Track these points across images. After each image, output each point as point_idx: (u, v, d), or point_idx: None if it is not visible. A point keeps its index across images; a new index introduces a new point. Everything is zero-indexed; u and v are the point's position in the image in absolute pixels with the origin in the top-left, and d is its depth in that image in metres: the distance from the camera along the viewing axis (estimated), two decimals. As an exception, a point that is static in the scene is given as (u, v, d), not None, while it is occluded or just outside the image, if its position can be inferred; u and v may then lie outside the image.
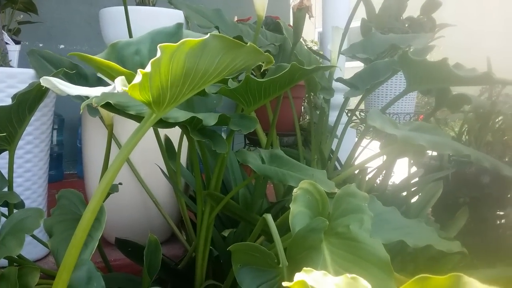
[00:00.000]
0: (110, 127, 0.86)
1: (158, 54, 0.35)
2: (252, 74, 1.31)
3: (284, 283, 0.32)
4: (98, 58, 0.40)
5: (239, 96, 0.80)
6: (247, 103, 0.81)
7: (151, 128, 1.07)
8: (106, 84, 1.06)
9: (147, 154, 1.14)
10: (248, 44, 0.47)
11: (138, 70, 0.35)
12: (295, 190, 0.64)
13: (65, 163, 2.12)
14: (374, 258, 0.58)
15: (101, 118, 1.08)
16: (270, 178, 0.78)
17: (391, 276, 0.56)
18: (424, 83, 0.96)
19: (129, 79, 0.37)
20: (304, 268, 0.36)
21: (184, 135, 1.17)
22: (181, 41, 0.37)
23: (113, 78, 0.41)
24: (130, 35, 1.02)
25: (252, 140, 1.85)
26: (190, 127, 0.75)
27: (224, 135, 1.51)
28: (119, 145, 1.09)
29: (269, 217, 0.67)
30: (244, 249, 0.58)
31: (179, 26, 0.66)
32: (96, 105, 0.64)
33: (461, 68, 0.91)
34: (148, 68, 0.35)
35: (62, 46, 2.22)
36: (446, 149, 0.77)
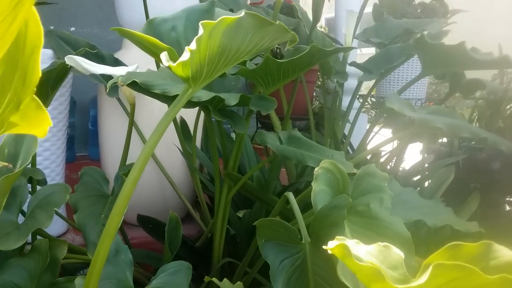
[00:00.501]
0: (132, 106, 0.87)
1: (200, 31, 0.36)
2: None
3: (325, 247, 0.33)
4: (140, 33, 0.41)
5: (258, 77, 0.81)
6: (266, 85, 0.82)
7: (167, 108, 1.09)
8: (122, 65, 1.07)
9: (163, 135, 1.16)
10: (277, 22, 0.48)
11: (186, 48, 0.36)
12: (316, 169, 0.65)
13: (76, 145, 2.14)
14: (395, 235, 0.59)
15: (118, 99, 1.10)
16: (289, 159, 0.79)
17: (411, 253, 0.57)
18: (440, 67, 0.97)
19: (169, 55, 0.38)
20: (337, 237, 0.37)
21: (200, 117, 1.18)
22: (220, 18, 0.38)
23: (153, 53, 0.43)
24: (147, 16, 1.03)
25: (264, 124, 1.86)
26: (212, 106, 0.76)
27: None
28: (135, 125, 1.10)
29: (290, 195, 0.68)
30: (269, 224, 0.60)
31: (211, 3, 0.67)
32: (122, 83, 0.65)
33: (478, 52, 0.91)
34: (193, 45, 0.36)
35: (73, 29, 2.23)
36: (463, 132, 0.77)
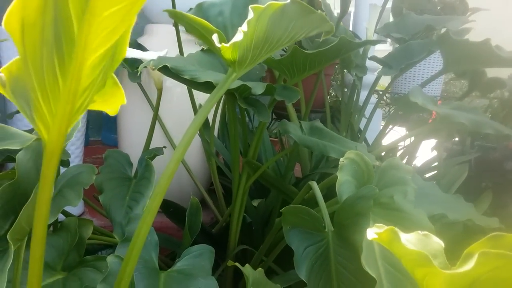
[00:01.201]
0: (159, 91, 0.88)
1: (250, 15, 0.36)
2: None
3: (371, 231, 0.34)
4: (192, 15, 0.41)
5: (284, 67, 0.81)
6: (291, 75, 0.83)
7: (187, 96, 1.10)
8: (145, 50, 1.07)
9: (181, 122, 1.17)
10: (318, 11, 0.48)
11: (239, 29, 0.37)
12: (342, 159, 0.66)
13: (89, 129, 2.15)
14: (418, 228, 0.60)
15: (139, 84, 1.10)
16: (311, 149, 0.80)
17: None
18: (462, 64, 0.97)
19: (219, 37, 0.39)
20: (376, 224, 0.37)
21: (220, 106, 1.19)
22: (268, 3, 0.38)
23: (201, 36, 0.43)
24: (173, 4, 1.03)
25: (280, 115, 1.86)
26: (238, 94, 0.77)
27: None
28: (153, 106, 1.11)
29: (314, 184, 0.69)
30: (295, 211, 0.60)
31: (257, -10, 0.68)
32: (153, 67, 0.66)
33: (502, 49, 0.91)
34: (244, 27, 0.36)
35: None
36: (486, 128, 0.78)
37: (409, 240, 0.37)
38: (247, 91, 0.76)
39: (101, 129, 2.16)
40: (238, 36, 0.36)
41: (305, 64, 0.79)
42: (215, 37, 0.38)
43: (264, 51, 0.44)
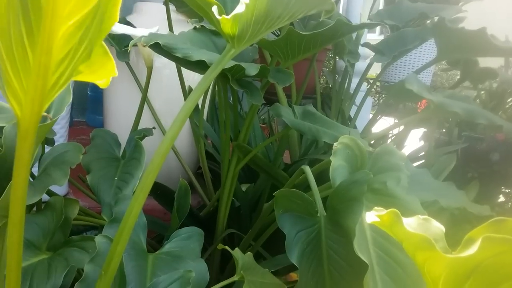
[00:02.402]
0: (149, 70, 0.85)
1: (252, -14, 0.35)
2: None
3: (371, 214, 0.33)
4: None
5: (278, 49, 0.79)
6: (285, 57, 0.81)
7: (176, 77, 1.07)
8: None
9: (170, 104, 1.14)
10: (319, -11, 0.47)
11: (241, 1, 0.35)
12: (335, 144, 0.65)
13: (73, 110, 2.11)
14: (411, 214, 0.59)
15: (127, 63, 1.08)
16: (304, 133, 0.78)
17: (428, 231, 0.57)
18: (456, 52, 0.96)
19: (218, 10, 0.37)
20: (375, 208, 0.37)
21: (210, 86, 1.17)
22: (270, -24, 0.36)
23: (200, 9, 0.41)
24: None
25: (270, 100, 1.84)
26: (231, 75, 0.75)
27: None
28: (141, 87, 1.08)
29: (307, 168, 0.68)
30: (288, 195, 0.59)
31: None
32: (144, 44, 0.64)
33: (497, 39, 0.90)
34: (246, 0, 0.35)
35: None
36: (479, 118, 0.78)
37: (410, 224, 0.36)
38: (240, 72, 0.74)
39: (86, 110, 2.12)
40: (240, 8, 0.35)
41: (300, 46, 0.77)
42: (214, 9, 0.36)
43: (264, 27, 0.42)
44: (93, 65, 0.24)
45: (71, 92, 0.48)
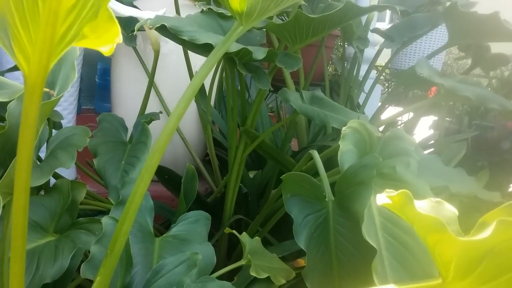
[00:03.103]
0: (156, 53, 0.85)
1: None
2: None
3: (382, 195, 0.32)
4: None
5: (286, 32, 0.78)
6: (293, 41, 0.80)
7: (184, 63, 1.06)
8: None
9: (177, 90, 1.14)
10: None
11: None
12: (344, 128, 0.64)
13: (82, 98, 2.11)
14: (420, 199, 0.59)
15: (134, 48, 1.07)
16: (312, 118, 0.78)
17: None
18: (468, 37, 0.95)
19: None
20: (386, 190, 0.36)
21: (217, 72, 1.16)
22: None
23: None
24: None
25: (278, 88, 1.83)
26: (238, 59, 0.74)
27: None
28: (148, 72, 1.07)
29: (315, 153, 0.67)
30: (296, 179, 0.59)
31: None
32: (151, 26, 0.63)
33: (510, 23, 0.88)
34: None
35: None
36: (491, 102, 0.76)
37: (421, 206, 0.35)
38: (247, 55, 0.73)
39: (94, 97, 2.12)
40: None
41: (308, 30, 0.76)
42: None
43: (273, 4, 0.41)
44: (98, 29, 0.23)
45: (76, 69, 0.48)
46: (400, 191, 0.31)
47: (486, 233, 0.29)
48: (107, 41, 0.24)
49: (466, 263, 0.30)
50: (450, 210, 0.34)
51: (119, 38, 0.24)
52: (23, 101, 0.25)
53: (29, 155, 0.26)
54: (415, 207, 0.30)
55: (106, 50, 0.24)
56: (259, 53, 0.72)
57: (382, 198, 0.33)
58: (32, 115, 0.25)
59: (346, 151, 0.62)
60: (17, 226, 0.32)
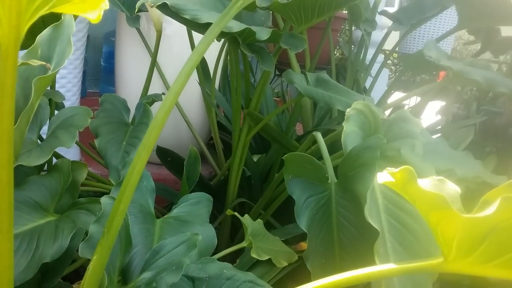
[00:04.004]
0: (159, 33, 0.84)
1: None
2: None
3: (383, 173, 0.31)
4: None
5: (291, 12, 0.77)
6: (298, 21, 0.78)
7: (188, 46, 1.05)
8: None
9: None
10: None
11: None
12: (348, 110, 0.63)
13: (87, 81, 2.11)
14: (425, 181, 0.58)
15: (138, 29, 1.06)
16: (316, 100, 0.76)
17: (442, 199, 0.56)
18: (478, 20, 0.92)
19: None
20: (388, 168, 0.35)
21: (222, 55, 1.15)
22: None
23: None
24: None
25: (283, 71, 1.82)
26: (241, 39, 0.73)
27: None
28: (151, 54, 1.06)
29: (318, 135, 0.66)
30: (298, 159, 0.58)
31: None
32: (152, 5, 0.62)
33: (522, 6, 0.86)
34: None
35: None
36: (500, 86, 0.74)
37: (424, 184, 0.34)
38: (251, 36, 0.72)
39: (100, 81, 2.12)
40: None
41: (314, 9, 0.74)
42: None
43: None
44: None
45: (72, 45, 0.47)
46: (402, 167, 0.30)
47: (490, 210, 0.28)
48: (92, 6, 0.23)
49: (469, 241, 0.29)
50: (453, 188, 0.33)
51: (106, 4, 0.23)
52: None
53: (9, 127, 0.25)
54: (417, 184, 0.30)
55: (93, 16, 0.23)
56: (263, 34, 0.71)
57: (384, 176, 0.33)
58: (8, 82, 0.24)
59: (350, 133, 0.61)
60: (2, 202, 0.30)
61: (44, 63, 0.40)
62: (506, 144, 1.44)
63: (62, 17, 0.56)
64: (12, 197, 0.27)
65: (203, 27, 0.68)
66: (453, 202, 0.33)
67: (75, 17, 0.73)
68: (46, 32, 0.54)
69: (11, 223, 0.28)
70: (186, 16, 0.65)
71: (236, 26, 0.68)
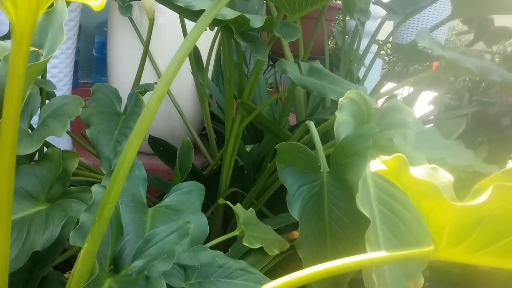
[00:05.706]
0: (151, 21, 0.83)
1: None
2: None
3: (376, 161, 0.31)
4: None
5: (285, 0, 0.76)
6: (292, 10, 0.78)
7: (181, 34, 1.04)
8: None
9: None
10: None
11: None
12: (341, 99, 0.63)
13: (79, 72, 2.09)
14: (417, 170, 0.58)
15: (131, 18, 1.04)
16: (309, 90, 0.76)
17: (434, 188, 0.56)
18: (472, 9, 0.92)
19: None
20: (381, 156, 0.35)
21: (215, 46, 1.14)
22: None
23: None
24: None
25: (276, 61, 1.81)
26: (235, 27, 0.72)
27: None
28: (142, 39, 1.05)
29: (311, 124, 0.66)
30: (291, 148, 0.58)
31: None
32: (144, -9, 0.61)
33: (515, -4, 0.86)
34: None
35: None
36: (493, 74, 0.74)
37: (416, 172, 0.34)
38: (245, 24, 0.71)
39: (92, 71, 2.10)
40: None
41: (308, -2, 0.74)
42: None
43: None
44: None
45: (64, 32, 0.46)
46: (394, 155, 0.30)
47: (482, 198, 0.28)
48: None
49: (460, 229, 0.29)
50: (445, 176, 0.33)
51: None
52: (11, 51, 0.24)
53: (16, 110, 0.25)
54: (409, 172, 0.29)
55: (96, 4, 0.23)
56: (257, 21, 0.70)
57: (376, 164, 0.32)
58: (20, 65, 0.24)
59: (343, 122, 0.61)
60: (3, 187, 0.31)
61: (36, 49, 0.39)
62: (497, 134, 1.44)
63: (54, 4, 0.55)
64: (13, 181, 0.27)
65: (196, 15, 0.67)
66: (445, 190, 0.33)
67: (67, 3, 0.72)
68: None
69: (10, 207, 0.28)
70: (179, 4, 0.64)
71: (230, 13, 0.68)
